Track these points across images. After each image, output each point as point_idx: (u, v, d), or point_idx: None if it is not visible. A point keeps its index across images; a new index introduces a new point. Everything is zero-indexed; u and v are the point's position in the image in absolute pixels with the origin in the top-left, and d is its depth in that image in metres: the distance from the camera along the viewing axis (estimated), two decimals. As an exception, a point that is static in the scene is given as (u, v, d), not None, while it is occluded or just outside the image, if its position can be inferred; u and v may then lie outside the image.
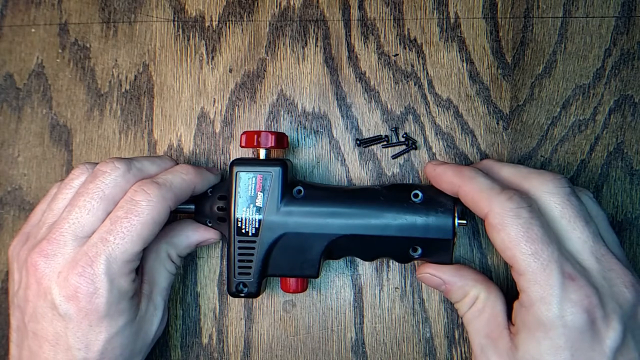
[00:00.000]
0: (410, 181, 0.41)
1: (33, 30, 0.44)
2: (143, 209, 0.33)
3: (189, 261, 0.42)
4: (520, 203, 0.31)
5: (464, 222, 0.36)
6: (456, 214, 0.35)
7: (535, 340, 0.31)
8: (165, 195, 0.34)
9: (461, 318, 0.37)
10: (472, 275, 0.37)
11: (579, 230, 0.32)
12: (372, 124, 0.42)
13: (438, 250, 0.36)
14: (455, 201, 0.36)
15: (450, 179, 0.35)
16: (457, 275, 0.37)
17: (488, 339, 0.34)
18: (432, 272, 0.37)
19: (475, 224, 0.41)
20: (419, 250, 0.36)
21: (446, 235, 0.35)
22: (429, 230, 0.35)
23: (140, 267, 0.37)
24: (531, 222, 0.31)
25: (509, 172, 0.35)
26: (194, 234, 0.38)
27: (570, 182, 0.34)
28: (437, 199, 0.36)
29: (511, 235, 0.31)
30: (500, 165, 0.36)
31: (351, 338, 0.41)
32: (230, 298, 0.42)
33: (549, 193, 0.33)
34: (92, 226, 0.33)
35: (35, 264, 0.33)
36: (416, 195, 0.36)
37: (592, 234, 0.32)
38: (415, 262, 0.41)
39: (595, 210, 0.35)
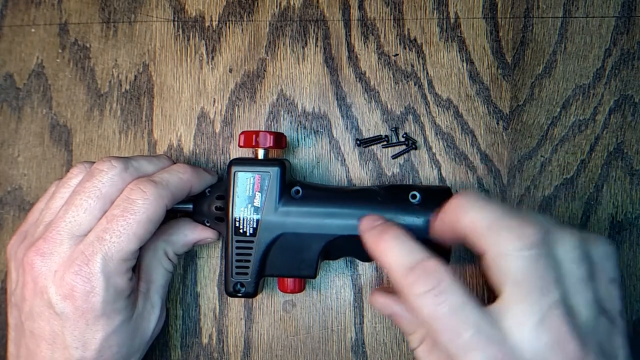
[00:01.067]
0: (410, 181, 0.41)
1: (33, 30, 0.44)
2: (139, 208, 0.33)
3: (189, 261, 0.42)
4: (425, 287, 0.29)
5: None
6: None
7: None
8: (162, 193, 0.34)
9: (412, 351, 0.35)
10: None
11: (528, 302, 0.28)
12: (372, 124, 0.42)
13: (435, 252, 0.35)
14: None
15: (370, 252, 0.33)
16: (408, 310, 0.34)
17: None
18: (383, 302, 0.35)
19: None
20: None
21: None
22: (426, 231, 0.35)
23: (137, 265, 0.37)
24: (439, 310, 0.28)
25: (473, 219, 0.30)
26: (192, 233, 0.38)
27: (542, 238, 0.28)
28: (434, 200, 0.36)
29: (425, 320, 0.29)
30: (467, 208, 0.30)
31: (351, 338, 0.41)
32: (230, 298, 0.42)
33: (505, 255, 0.28)
34: (89, 225, 0.33)
35: (31, 263, 0.33)
36: (414, 197, 0.36)
37: (547, 307, 0.27)
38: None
39: (573, 268, 0.29)
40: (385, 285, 0.40)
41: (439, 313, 0.28)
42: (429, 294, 0.29)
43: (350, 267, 0.42)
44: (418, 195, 0.36)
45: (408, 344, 0.36)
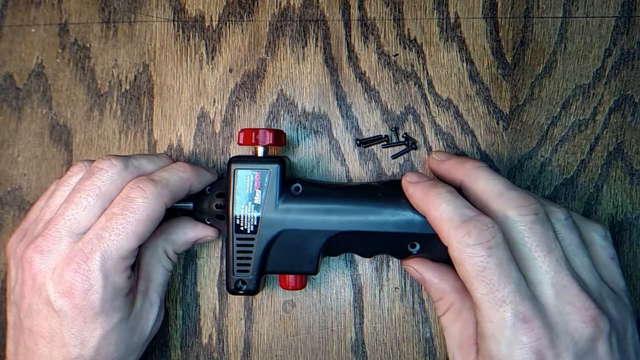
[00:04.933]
0: (410, 181, 0.41)
1: (33, 30, 0.44)
2: (138, 206, 0.33)
3: (189, 261, 0.42)
4: (477, 239, 0.30)
5: None
6: None
7: None
8: (161, 192, 0.34)
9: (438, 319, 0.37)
10: (452, 281, 0.36)
11: (539, 260, 0.31)
12: (372, 124, 0.42)
13: (436, 246, 0.35)
14: None
15: (417, 202, 0.34)
16: (437, 277, 0.36)
17: (459, 350, 0.34)
18: (416, 267, 0.37)
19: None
20: (418, 246, 0.36)
21: None
22: (426, 226, 0.35)
23: (136, 264, 0.37)
24: (488, 261, 0.30)
25: (481, 188, 0.34)
26: (192, 231, 0.38)
27: (539, 208, 0.32)
28: None
29: (468, 272, 0.30)
30: (479, 175, 0.34)
31: (351, 338, 0.41)
32: (230, 298, 0.42)
33: (512, 220, 0.32)
34: (88, 222, 0.33)
35: (30, 260, 0.33)
36: None
37: (555, 263, 0.31)
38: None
39: (566, 234, 0.33)
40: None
41: (487, 264, 0.30)
42: (482, 245, 0.30)
43: (350, 267, 0.42)
44: None
45: (435, 311, 0.37)
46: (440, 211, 0.32)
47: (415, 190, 0.34)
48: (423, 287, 0.38)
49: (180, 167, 0.36)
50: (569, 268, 0.31)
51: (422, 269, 0.37)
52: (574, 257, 0.33)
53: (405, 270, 0.38)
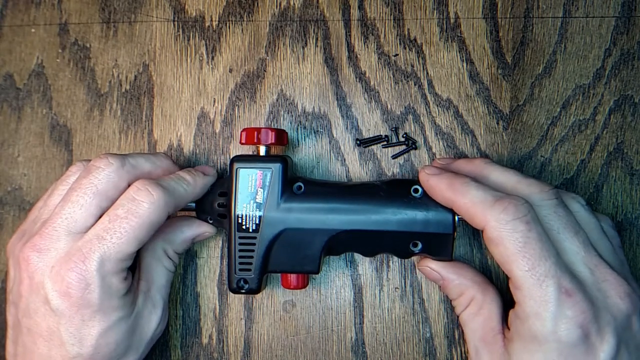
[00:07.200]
0: (411, 181, 0.41)
1: (33, 30, 0.44)
2: (144, 211, 0.33)
3: (189, 261, 0.42)
4: (515, 214, 0.31)
5: None
6: None
7: (529, 352, 0.31)
8: (168, 200, 0.34)
9: (457, 317, 0.37)
10: (471, 276, 0.37)
11: (568, 241, 0.32)
12: (372, 124, 0.42)
13: (438, 245, 0.36)
14: None
15: (443, 193, 0.34)
16: (455, 273, 0.37)
17: (482, 342, 0.35)
18: (432, 267, 0.37)
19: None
20: (420, 245, 0.36)
21: (446, 229, 0.35)
22: (429, 225, 0.35)
23: (137, 265, 0.37)
24: (528, 236, 0.31)
25: (498, 179, 0.35)
26: (189, 229, 0.38)
27: (558, 192, 0.33)
28: None
29: (509, 249, 0.31)
30: (491, 169, 0.35)
31: (351, 338, 0.41)
32: (230, 298, 0.42)
33: (537, 205, 0.33)
34: (85, 221, 0.33)
35: (27, 259, 0.33)
36: (416, 190, 0.36)
37: (583, 244, 0.32)
38: (415, 260, 0.41)
39: (586, 218, 0.34)
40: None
41: (528, 238, 0.30)
42: (520, 220, 0.31)
43: (350, 267, 0.42)
44: (420, 189, 0.36)
45: (454, 309, 0.37)
46: (471, 196, 0.32)
47: (438, 181, 0.34)
48: (440, 287, 0.38)
49: (189, 179, 0.36)
50: (595, 249, 0.32)
51: (438, 268, 0.37)
52: (598, 241, 0.34)
53: (420, 272, 0.38)
